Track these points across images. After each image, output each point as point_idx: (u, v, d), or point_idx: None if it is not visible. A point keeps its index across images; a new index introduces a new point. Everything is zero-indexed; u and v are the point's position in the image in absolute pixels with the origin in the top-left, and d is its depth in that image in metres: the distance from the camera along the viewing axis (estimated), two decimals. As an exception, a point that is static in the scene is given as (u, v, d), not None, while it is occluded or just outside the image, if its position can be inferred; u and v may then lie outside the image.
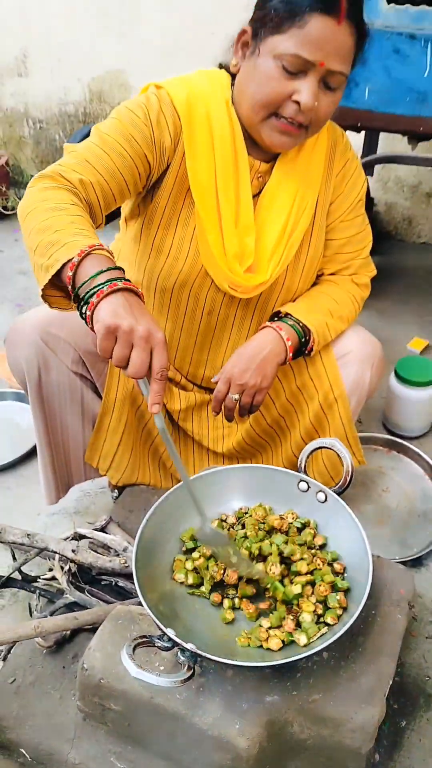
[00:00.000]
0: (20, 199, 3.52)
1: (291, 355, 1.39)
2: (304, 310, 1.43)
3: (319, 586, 1.15)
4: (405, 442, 1.94)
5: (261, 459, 1.62)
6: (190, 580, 1.21)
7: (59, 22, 3.17)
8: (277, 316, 1.45)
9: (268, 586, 1.18)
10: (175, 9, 2.96)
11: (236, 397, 1.38)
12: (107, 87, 3.26)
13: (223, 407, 1.41)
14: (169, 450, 1.08)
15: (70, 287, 1.02)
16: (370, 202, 2.80)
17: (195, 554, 1.23)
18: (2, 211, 3.41)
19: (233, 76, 1.32)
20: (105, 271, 1.01)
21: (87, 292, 1.00)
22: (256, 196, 1.38)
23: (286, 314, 1.42)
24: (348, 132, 1.52)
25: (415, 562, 1.62)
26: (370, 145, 2.36)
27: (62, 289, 1.07)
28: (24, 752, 1.24)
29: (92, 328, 1.00)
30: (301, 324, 1.40)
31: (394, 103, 1.84)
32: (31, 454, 1.95)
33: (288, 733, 1.09)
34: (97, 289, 0.99)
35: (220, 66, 1.37)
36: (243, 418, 1.52)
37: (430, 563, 1.64)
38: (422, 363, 1.98)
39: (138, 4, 3.01)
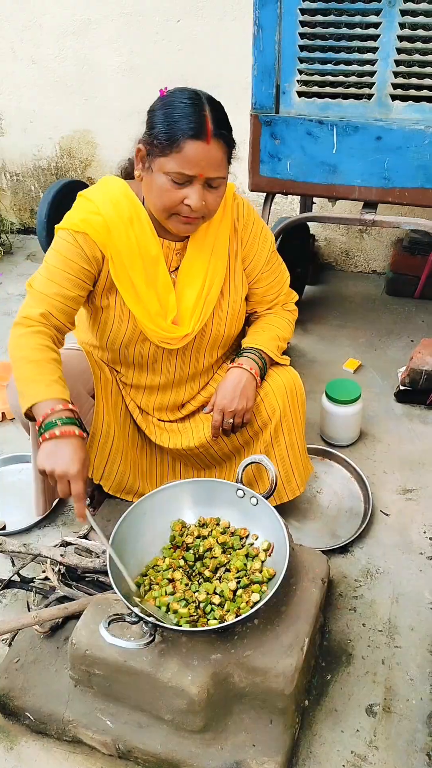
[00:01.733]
0: (1, 245, 3.80)
1: (259, 379, 1.72)
2: (253, 339, 1.77)
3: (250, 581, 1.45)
4: (335, 451, 2.20)
5: (216, 472, 1.90)
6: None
7: (29, 90, 3.38)
8: (236, 353, 1.77)
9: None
10: (134, 73, 3.19)
11: (230, 421, 1.71)
12: (76, 144, 3.47)
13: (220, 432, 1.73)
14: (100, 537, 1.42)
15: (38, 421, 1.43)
16: (311, 238, 3.12)
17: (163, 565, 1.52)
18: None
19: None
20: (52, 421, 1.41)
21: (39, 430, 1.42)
22: (176, 270, 1.66)
23: (242, 348, 1.74)
24: (277, 195, 1.81)
25: (343, 549, 1.91)
26: (305, 205, 2.77)
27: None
28: (29, 715, 1.48)
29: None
30: (254, 349, 1.73)
31: (311, 174, 2.17)
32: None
33: (230, 682, 1.36)
34: (42, 431, 1.40)
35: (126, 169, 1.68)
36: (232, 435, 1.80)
37: (354, 549, 1.93)
38: (347, 384, 2.24)
39: (99, 70, 3.24)
